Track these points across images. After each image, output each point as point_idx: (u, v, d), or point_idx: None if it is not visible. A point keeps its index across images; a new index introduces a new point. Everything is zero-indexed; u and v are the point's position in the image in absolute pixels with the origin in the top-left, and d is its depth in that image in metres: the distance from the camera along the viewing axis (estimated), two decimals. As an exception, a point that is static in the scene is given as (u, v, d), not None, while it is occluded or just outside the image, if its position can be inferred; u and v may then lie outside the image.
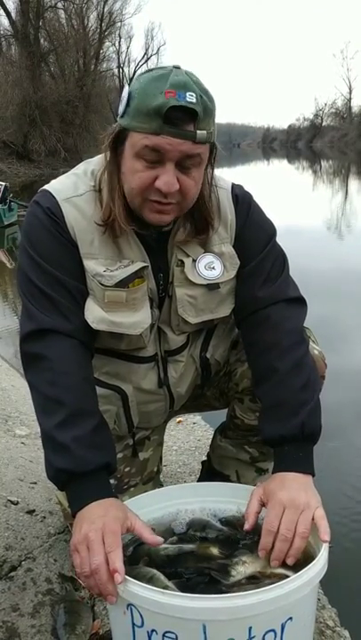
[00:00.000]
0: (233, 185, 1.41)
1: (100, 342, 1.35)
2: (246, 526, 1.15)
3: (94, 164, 1.33)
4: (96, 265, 1.27)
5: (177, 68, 1.17)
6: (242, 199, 1.40)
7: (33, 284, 1.25)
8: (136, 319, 1.31)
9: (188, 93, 1.12)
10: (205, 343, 1.49)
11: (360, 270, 6.35)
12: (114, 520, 1.06)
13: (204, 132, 1.15)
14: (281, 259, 1.40)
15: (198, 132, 1.14)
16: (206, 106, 1.15)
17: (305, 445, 1.21)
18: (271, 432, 1.23)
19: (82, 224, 1.27)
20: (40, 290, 1.24)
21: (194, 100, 1.12)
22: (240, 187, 1.43)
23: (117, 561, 0.99)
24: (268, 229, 1.41)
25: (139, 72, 1.33)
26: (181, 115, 1.12)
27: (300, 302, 1.38)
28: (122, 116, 1.18)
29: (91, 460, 1.12)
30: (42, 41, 34.01)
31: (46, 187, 1.32)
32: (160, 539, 1.09)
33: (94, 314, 1.27)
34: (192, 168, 1.19)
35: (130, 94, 1.16)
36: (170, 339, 1.41)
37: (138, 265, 1.29)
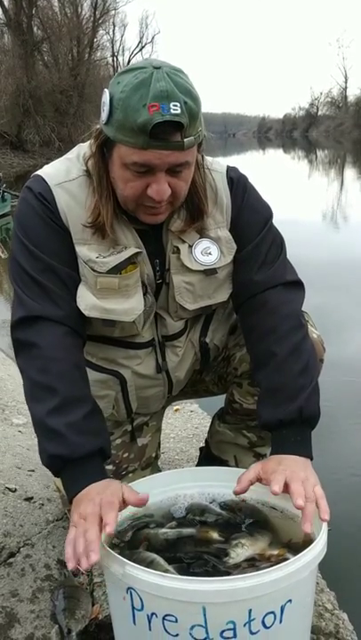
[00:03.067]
0: (228, 168, 1.40)
1: (93, 330, 1.35)
2: (236, 488, 1.15)
3: (86, 147, 1.31)
4: (89, 251, 1.27)
5: (157, 68, 1.11)
6: (237, 182, 1.38)
7: (24, 271, 1.24)
8: (129, 306, 1.30)
9: (172, 104, 1.09)
10: (205, 328, 1.48)
11: (354, 258, 6.35)
12: (111, 494, 1.06)
13: (192, 137, 1.14)
14: (278, 241, 1.39)
15: (186, 140, 1.13)
16: (191, 111, 1.12)
17: (303, 430, 1.22)
18: (269, 417, 1.23)
19: (74, 209, 1.26)
20: (31, 277, 1.23)
21: (178, 111, 1.09)
22: (235, 169, 1.41)
23: (111, 519, 1.00)
24: (265, 212, 1.40)
25: (119, 71, 1.27)
26: (167, 128, 1.10)
27: (297, 286, 1.37)
28: (105, 124, 1.16)
29: (84, 445, 1.13)
30: (35, 29, 33.64)
31: (39, 171, 1.31)
32: (145, 495, 1.09)
33: (87, 301, 1.27)
34: (182, 171, 1.18)
35: (111, 102, 1.13)
36: (168, 324, 1.40)
37: (131, 250, 1.28)
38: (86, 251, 1.27)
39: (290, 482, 1.09)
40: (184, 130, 1.11)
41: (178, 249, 1.33)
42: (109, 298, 1.28)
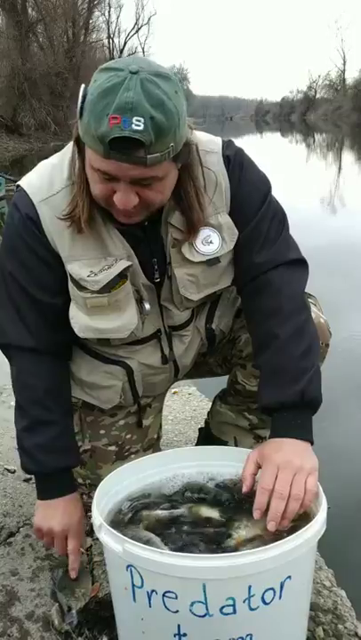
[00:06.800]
0: (223, 145, 1.33)
1: (91, 341, 1.37)
2: (244, 489, 1.15)
3: (71, 149, 1.25)
4: (80, 268, 1.25)
5: (134, 73, 1.02)
6: (233, 159, 1.31)
7: (4, 295, 1.30)
8: (121, 322, 1.29)
9: (134, 119, 1.00)
10: (210, 314, 1.47)
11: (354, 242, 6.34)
12: (78, 523, 1.33)
13: (157, 154, 1.05)
14: (279, 216, 1.34)
15: (150, 156, 1.04)
16: (159, 127, 1.02)
17: (304, 413, 1.20)
18: (270, 399, 1.22)
19: (60, 226, 1.24)
20: (9, 302, 1.30)
21: (140, 128, 1.00)
22: (230, 145, 1.34)
23: (75, 563, 1.32)
24: (262, 187, 1.34)
25: (102, 65, 1.13)
26: (127, 144, 1.02)
27: (300, 264, 1.34)
28: (80, 118, 1.10)
29: (50, 464, 1.30)
30: (29, 10, 33.13)
31: (24, 184, 1.28)
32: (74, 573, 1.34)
33: (80, 322, 1.28)
34: (153, 183, 1.12)
35: (84, 101, 1.07)
36: (174, 314, 1.39)
37: (121, 265, 1.25)
38: (77, 268, 1.25)
39: (278, 477, 1.09)
40: (147, 147, 1.03)
41: (178, 241, 1.29)
42: (101, 315, 1.28)
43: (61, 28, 34.56)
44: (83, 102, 1.07)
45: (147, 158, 1.04)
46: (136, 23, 45.72)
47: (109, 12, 43.29)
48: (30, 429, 1.30)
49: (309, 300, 1.39)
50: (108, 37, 44.18)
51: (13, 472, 1.78)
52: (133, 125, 1.01)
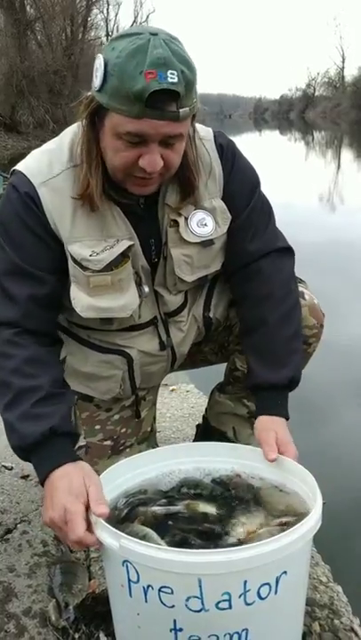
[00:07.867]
0: (215, 134, 1.38)
1: (90, 324, 1.36)
2: (273, 455, 1.18)
3: (70, 134, 1.28)
4: (81, 248, 1.25)
5: (154, 34, 1.08)
6: (226, 148, 1.38)
7: None
8: (124, 301, 1.30)
9: (169, 72, 1.06)
10: (207, 302, 1.50)
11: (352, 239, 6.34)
12: (75, 501, 1.04)
13: (187, 108, 1.11)
14: (267, 208, 1.41)
15: (181, 110, 1.10)
16: (188, 81, 1.09)
17: (285, 393, 1.31)
18: (263, 379, 1.31)
19: (60, 208, 1.24)
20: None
21: (175, 80, 1.06)
22: (222, 135, 1.40)
23: (89, 540, 1.01)
24: (253, 179, 1.42)
25: (113, 36, 1.29)
26: (164, 97, 1.07)
27: (288, 252, 1.41)
28: (98, 90, 1.12)
29: (32, 432, 1.12)
30: (28, 8, 33.07)
31: (21, 167, 1.28)
32: (105, 510, 1.03)
33: (82, 302, 1.27)
34: (175, 143, 1.16)
35: (106, 68, 1.09)
36: (167, 300, 1.41)
37: (124, 245, 1.27)
38: (78, 249, 1.25)
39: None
40: (180, 100, 1.09)
41: (175, 222, 1.32)
42: (104, 294, 1.28)
43: (60, 26, 34.48)
44: (105, 71, 1.10)
45: (179, 112, 1.10)
46: (135, 21, 45.52)
47: (108, 9, 43.02)
48: (12, 403, 1.16)
49: (300, 284, 1.47)
50: (107, 35, 43.93)
51: (11, 469, 1.79)
52: (169, 78, 1.06)
